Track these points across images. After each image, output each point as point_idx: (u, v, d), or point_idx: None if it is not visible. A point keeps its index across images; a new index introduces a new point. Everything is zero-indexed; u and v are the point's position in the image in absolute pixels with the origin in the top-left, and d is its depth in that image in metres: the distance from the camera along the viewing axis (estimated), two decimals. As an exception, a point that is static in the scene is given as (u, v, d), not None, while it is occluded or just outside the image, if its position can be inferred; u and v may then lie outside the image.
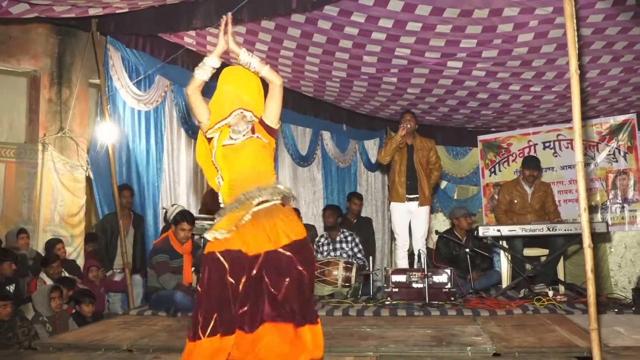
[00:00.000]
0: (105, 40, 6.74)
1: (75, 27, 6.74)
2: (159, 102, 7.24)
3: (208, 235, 2.99)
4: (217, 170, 3.21)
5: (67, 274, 6.03)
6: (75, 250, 6.61)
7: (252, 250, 2.94)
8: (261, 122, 3.29)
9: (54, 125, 6.65)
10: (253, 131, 3.25)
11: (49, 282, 5.70)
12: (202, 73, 3.33)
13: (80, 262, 6.63)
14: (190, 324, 2.97)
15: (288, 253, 2.95)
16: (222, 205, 3.12)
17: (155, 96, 7.16)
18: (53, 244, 6.16)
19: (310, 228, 7.74)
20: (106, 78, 6.67)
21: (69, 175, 6.63)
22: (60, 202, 6.51)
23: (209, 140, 3.25)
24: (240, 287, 2.91)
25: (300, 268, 2.95)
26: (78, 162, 6.70)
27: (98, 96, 6.91)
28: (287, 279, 2.91)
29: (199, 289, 2.96)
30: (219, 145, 3.20)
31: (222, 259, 2.93)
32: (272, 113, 3.32)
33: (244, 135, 3.22)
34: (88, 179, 6.77)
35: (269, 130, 3.28)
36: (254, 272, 2.92)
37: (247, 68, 3.34)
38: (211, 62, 3.35)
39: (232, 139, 3.22)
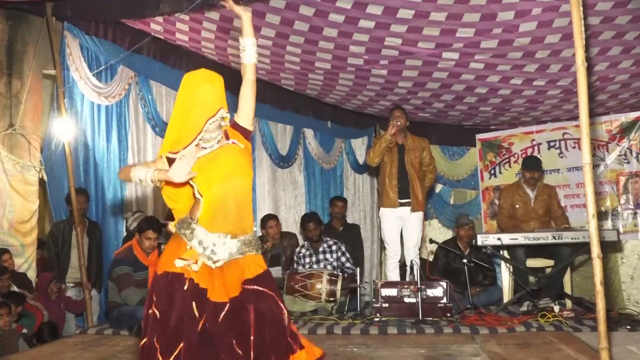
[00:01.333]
0: (61, 27, 6.66)
1: (28, 12, 6.65)
2: (122, 96, 7.18)
3: (178, 263, 2.99)
4: (192, 187, 3.10)
5: (16, 288, 5.94)
6: (26, 262, 6.51)
7: (217, 297, 2.97)
8: (234, 125, 3.23)
9: (3, 121, 6.55)
10: (227, 137, 3.18)
11: (-5, 298, 5.61)
12: (138, 177, 3.08)
13: (32, 274, 6.54)
14: (140, 352, 2.95)
15: (253, 286, 3.03)
16: (194, 223, 3.08)
17: (118, 89, 7.10)
18: None
19: (290, 236, 7.73)
20: (62, 68, 6.59)
21: (19, 176, 6.54)
22: (9, 208, 6.41)
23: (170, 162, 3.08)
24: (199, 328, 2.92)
25: (268, 293, 3.03)
26: (30, 163, 6.60)
27: (53, 88, 6.82)
28: (251, 316, 2.96)
29: (154, 309, 2.92)
30: (194, 163, 3.04)
31: (188, 286, 2.94)
32: (246, 113, 3.27)
33: (217, 142, 3.15)
34: (41, 181, 6.68)
35: (244, 133, 3.23)
36: (219, 320, 2.93)
37: (242, 51, 3.32)
38: (148, 178, 3.08)
39: (203, 148, 3.13)
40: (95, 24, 6.81)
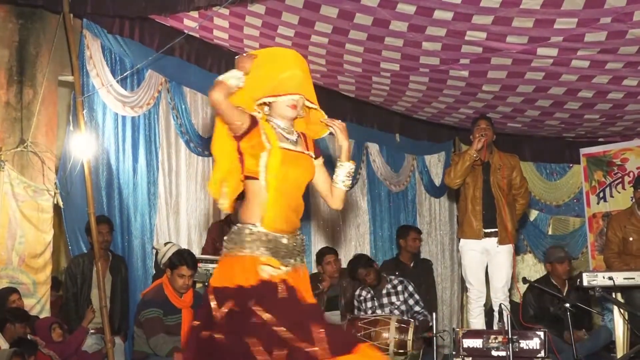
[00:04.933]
0: (80, 25, 6.84)
1: (42, 8, 6.85)
2: (151, 105, 7.32)
3: (265, 270, 3.40)
4: (260, 172, 3.48)
5: (30, 335, 6.05)
6: (38, 303, 6.64)
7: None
8: (315, 145, 3.77)
9: (13, 137, 6.74)
10: (307, 146, 3.70)
11: (5, 345, 5.73)
12: (237, 81, 3.55)
13: (46, 317, 6.65)
14: None
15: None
16: (257, 222, 3.45)
17: (146, 97, 7.24)
18: (5, 295, 6.18)
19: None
20: (81, 74, 6.75)
21: (31, 202, 6.69)
22: (19, 239, 6.56)
23: (243, 135, 3.52)
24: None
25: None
26: (44, 186, 6.76)
27: (70, 98, 6.98)
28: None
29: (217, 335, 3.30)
30: (275, 146, 3.49)
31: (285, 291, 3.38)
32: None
33: (297, 143, 3.63)
34: (56, 207, 6.83)
35: (316, 154, 3.76)
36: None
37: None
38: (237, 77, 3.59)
39: (286, 139, 3.59)
40: (120, 21, 6.97)
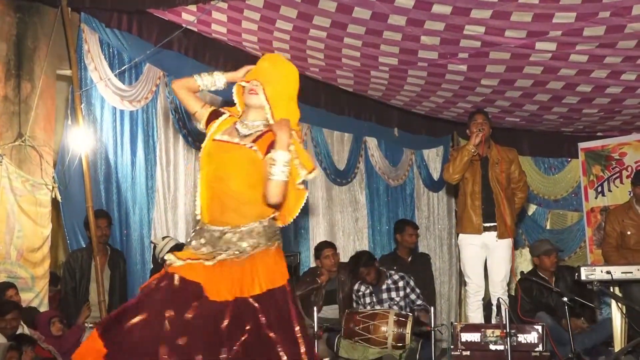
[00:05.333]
0: (78, 19, 6.83)
1: (40, 1, 6.85)
2: (149, 99, 7.31)
3: (166, 256, 3.54)
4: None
5: (26, 328, 6.05)
6: (37, 297, 6.65)
7: (217, 295, 3.39)
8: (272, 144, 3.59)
9: (11, 131, 6.73)
10: (259, 142, 3.60)
11: (2, 339, 5.73)
12: (203, 81, 3.83)
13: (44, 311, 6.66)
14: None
15: (255, 304, 3.39)
16: (198, 217, 3.62)
17: (144, 91, 7.23)
18: (2, 289, 6.18)
19: (346, 267, 7.71)
20: (79, 68, 6.75)
21: (29, 197, 6.69)
22: (17, 233, 6.56)
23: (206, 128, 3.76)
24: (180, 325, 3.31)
25: (262, 320, 3.37)
26: (42, 180, 6.76)
27: (69, 92, 6.98)
28: (245, 335, 3.33)
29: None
30: (210, 137, 3.66)
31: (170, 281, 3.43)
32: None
33: (243, 137, 3.62)
34: (54, 202, 6.83)
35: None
36: (224, 322, 3.33)
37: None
38: (220, 79, 3.87)
39: (236, 133, 3.64)
40: (118, 15, 6.97)
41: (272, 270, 3.53)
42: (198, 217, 3.64)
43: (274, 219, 3.64)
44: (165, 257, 3.56)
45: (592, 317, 7.06)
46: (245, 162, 3.57)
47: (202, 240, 3.54)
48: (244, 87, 3.71)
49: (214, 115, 3.75)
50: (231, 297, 3.39)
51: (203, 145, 3.69)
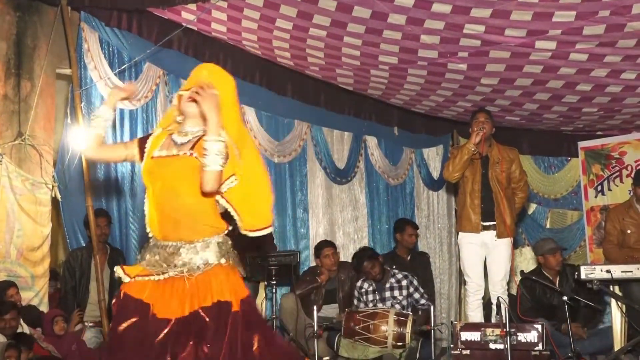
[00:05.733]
0: (78, 18, 6.83)
1: (39, 0, 6.85)
2: (149, 98, 7.31)
3: (118, 272, 3.54)
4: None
5: (25, 327, 6.05)
6: (36, 296, 6.65)
7: (166, 312, 3.36)
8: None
9: (11, 130, 6.73)
10: (193, 146, 3.53)
11: (1, 338, 5.73)
12: (95, 126, 3.81)
13: (44, 310, 6.65)
14: None
15: (206, 318, 3.34)
16: (148, 233, 3.58)
17: (144, 90, 7.23)
18: (3, 288, 6.19)
19: (349, 268, 7.72)
20: (79, 67, 6.75)
21: (29, 195, 6.69)
22: (17, 232, 6.56)
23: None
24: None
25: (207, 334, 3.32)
26: (42, 179, 6.75)
27: (68, 91, 6.98)
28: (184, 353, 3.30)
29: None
30: (147, 156, 3.61)
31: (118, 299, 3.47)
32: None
33: (181, 146, 3.55)
34: (54, 201, 6.83)
35: None
36: (158, 337, 3.31)
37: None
38: (104, 112, 3.82)
39: (174, 144, 3.59)
40: (118, 14, 6.97)
41: (222, 284, 3.44)
42: (150, 235, 3.59)
43: (228, 235, 3.59)
44: (115, 271, 3.57)
45: (597, 319, 7.02)
46: (189, 171, 3.47)
47: (156, 257, 3.50)
48: (181, 96, 3.62)
49: (144, 141, 3.69)
50: (182, 313, 3.35)
51: (142, 164, 3.63)
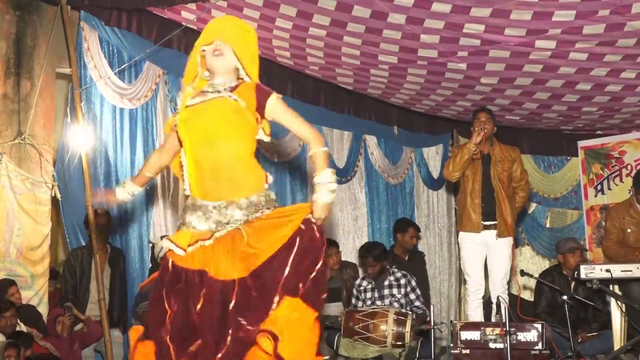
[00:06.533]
0: (78, 17, 6.83)
1: None
2: (149, 97, 7.30)
3: (165, 243, 3.41)
4: (181, 146, 3.48)
5: (23, 327, 6.06)
6: (36, 295, 6.65)
7: (222, 274, 3.28)
8: (258, 87, 3.48)
9: (10, 129, 6.73)
10: (239, 93, 3.42)
11: (1, 337, 5.74)
12: (121, 194, 3.78)
13: (43, 310, 6.67)
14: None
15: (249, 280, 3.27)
16: (187, 193, 3.45)
17: (143, 89, 7.23)
18: (4, 286, 6.20)
19: (352, 267, 7.74)
20: (79, 66, 6.74)
21: (29, 195, 6.69)
22: (17, 232, 6.56)
23: None
24: (194, 315, 3.27)
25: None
26: (41, 178, 6.75)
27: (68, 90, 6.98)
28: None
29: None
30: (182, 107, 3.45)
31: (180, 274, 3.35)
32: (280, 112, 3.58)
33: (218, 92, 3.42)
34: (54, 200, 6.83)
35: (261, 99, 3.45)
36: (232, 300, 3.25)
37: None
38: (129, 186, 3.78)
39: (201, 94, 3.46)
40: (117, 14, 6.96)
41: (273, 226, 3.33)
42: (187, 193, 3.46)
43: (269, 188, 3.48)
44: (163, 244, 3.44)
45: (603, 322, 6.99)
46: (229, 113, 3.37)
47: (199, 215, 3.37)
48: (204, 51, 3.48)
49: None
50: (234, 276, 3.27)
51: (177, 117, 3.49)
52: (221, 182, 3.35)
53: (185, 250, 3.33)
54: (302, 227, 3.29)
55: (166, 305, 3.34)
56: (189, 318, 3.29)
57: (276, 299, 3.24)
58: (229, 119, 3.35)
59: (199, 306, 3.26)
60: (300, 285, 3.26)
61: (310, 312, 3.30)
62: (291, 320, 3.22)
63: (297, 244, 3.26)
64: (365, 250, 7.30)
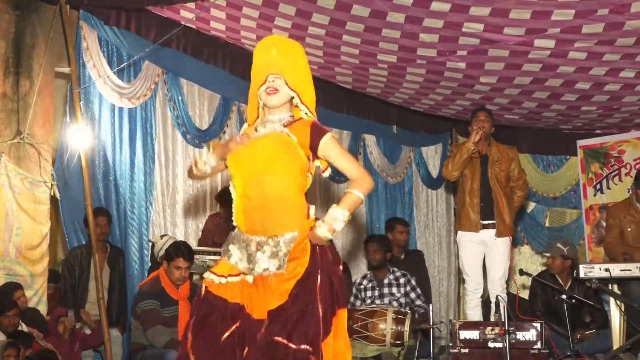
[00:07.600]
0: (77, 16, 6.83)
1: (39, -1, 6.86)
2: (148, 97, 7.31)
3: (205, 275, 3.41)
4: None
5: (24, 327, 6.06)
6: (35, 295, 6.65)
7: (257, 313, 3.30)
8: (314, 125, 3.48)
9: (10, 128, 6.73)
10: (288, 125, 3.43)
11: (1, 336, 5.74)
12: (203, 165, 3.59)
13: (43, 309, 6.67)
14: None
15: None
16: (234, 223, 3.45)
17: (142, 89, 7.23)
18: (10, 290, 6.19)
19: (347, 267, 7.70)
20: (78, 65, 6.74)
21: (28, 194, 6.69)
22: (16, 231, 6.56)
23: None
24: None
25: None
26: (40, 177, 6.75)
27: (67, 89, 6.97)
28: None
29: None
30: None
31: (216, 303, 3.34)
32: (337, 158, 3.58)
33: (271, 127, 3.45)
34: (53, 199, 6.83)
35: (315, 137, 3.44)
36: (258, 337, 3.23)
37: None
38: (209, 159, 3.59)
39: (255, 131, 3.48)
40: (116, 13, 6.97)
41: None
42: (234, 224, 3.47)
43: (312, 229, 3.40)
44: (204, 276, 3.43)
45: (601, 322, 6.98)
46: (280, 146, 3.37)
47: (239, 250, 3.40)
48: (258, 91, 3.46)
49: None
50: (263, 315, 3.29)
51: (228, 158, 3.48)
52: (266, 214, 3.35)
53: (226, 278, 3.37)
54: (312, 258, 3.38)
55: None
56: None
57: (320, 308, 3.39)
58: (278, 154, 3.36)
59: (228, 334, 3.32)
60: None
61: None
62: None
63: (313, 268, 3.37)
64: (371, 238, 7.36)
